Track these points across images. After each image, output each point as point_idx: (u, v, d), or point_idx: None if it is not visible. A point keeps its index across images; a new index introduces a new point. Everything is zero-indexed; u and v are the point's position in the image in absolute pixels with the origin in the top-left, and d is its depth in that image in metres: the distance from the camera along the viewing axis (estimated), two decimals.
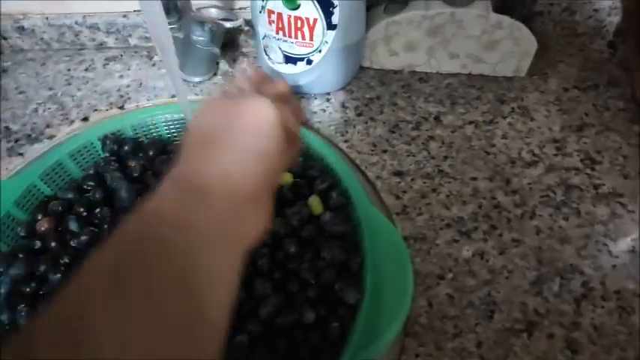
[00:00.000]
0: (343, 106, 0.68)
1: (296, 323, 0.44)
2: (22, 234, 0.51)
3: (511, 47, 0.67)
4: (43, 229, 0.51)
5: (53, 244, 0.50)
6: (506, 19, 0.64)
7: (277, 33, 0.62)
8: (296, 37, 0.61)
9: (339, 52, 0.63)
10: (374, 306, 0.42)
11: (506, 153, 0.61)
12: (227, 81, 0.39)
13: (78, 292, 0.23)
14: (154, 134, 0.61)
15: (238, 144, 0.32)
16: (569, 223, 0.54)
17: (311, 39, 0.61)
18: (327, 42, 0.61)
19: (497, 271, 0.51)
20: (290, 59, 0.65)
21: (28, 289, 0.47)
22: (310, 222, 0.50)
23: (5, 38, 0.76)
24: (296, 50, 0.63)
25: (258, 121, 0.33)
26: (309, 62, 0.64)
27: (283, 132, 0.34)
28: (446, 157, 0.61)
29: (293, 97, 0.40)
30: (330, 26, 0.60)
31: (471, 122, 0.65)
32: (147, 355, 0.22)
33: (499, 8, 0.65)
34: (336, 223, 0.49)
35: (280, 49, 0.64)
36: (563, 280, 0.50)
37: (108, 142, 0.57)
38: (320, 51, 0.63)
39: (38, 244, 0.50)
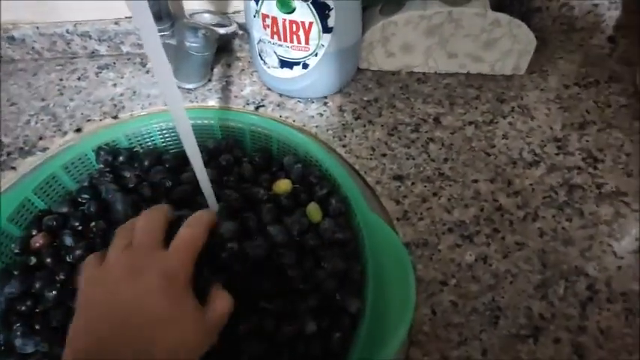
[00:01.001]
0: (341, 109, 0.67)
1: (297, 334, 0.43)
2: (16, 250, 0.50)
3: (510, 45, 0.66)
4: (37, 244, 0.50)
5: (48, 259, 0.49)
6: (504, 17, 0.63)
7: (272, 37, 0.61)
8: (291, 41, 0.60)
9: (335, 55, 0.62)
10: (376, 315, 0.42)
11: (507, 154, 0.60)
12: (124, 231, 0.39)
13: None
14: (149, 143, 0.60)
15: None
16: (572, 224, 0.54)
17: (307, 43, 0.60)
18: (323, 45, 0.60)
19: (501, 276, 0.50)
20: (286, 63, 0.64)
21: (23, 308, 0.46)
22: (310, 230, 0.49)
23: None
24: (292, 54, 0.62)
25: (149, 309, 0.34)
26: (305, 66, 0.63)
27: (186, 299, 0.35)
28: (446, 160, 0.60)
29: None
30: (326, 29, 0.59)
31: (470, 123, 0.64)
32: None
33: (497, 6, 0.64)
34: (336, 231, 0.48)
35: (276, 53, 0.63)
36: (568, 282, 0.49)
37: (102, 153, 0.56)
38: (316, 54, 0.61)
39: (33, 260, 0.49)
